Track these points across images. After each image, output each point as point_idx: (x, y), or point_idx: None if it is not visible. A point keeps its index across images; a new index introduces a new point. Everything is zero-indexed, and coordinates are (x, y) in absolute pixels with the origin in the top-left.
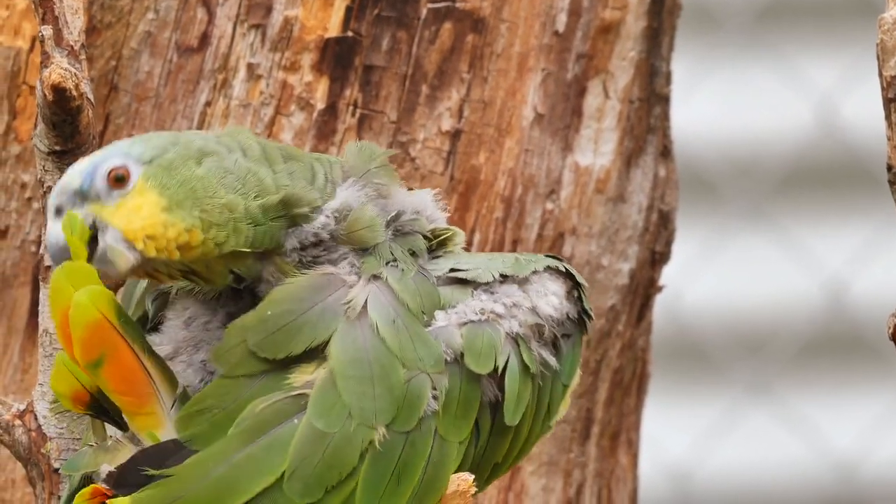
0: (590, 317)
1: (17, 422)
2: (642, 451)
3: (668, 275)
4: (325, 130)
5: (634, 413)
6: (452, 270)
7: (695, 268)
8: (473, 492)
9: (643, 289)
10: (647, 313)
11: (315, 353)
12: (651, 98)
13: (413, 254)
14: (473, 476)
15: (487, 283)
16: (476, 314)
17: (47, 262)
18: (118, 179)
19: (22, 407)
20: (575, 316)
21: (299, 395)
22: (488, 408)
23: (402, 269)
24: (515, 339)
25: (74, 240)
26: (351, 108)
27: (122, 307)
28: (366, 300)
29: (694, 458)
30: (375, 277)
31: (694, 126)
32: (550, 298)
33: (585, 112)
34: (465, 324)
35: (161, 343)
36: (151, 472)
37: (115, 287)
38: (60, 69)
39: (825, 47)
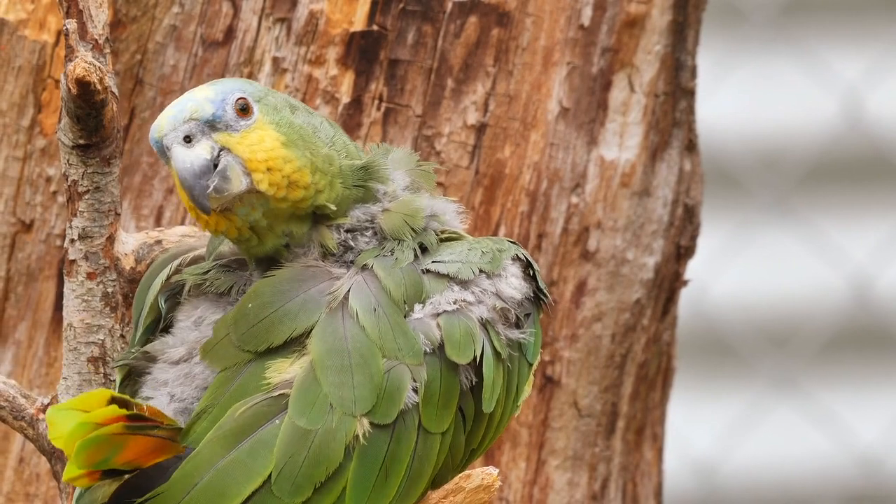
0: (545, 294)
1: (42, 416)
2: (667, 446)
3: (694, 269)
4: (350, 124)
5: (659, 407)
6: (434, 262)
7: (720, 262)
8: (498, 485)
9: (668, 283)
10: (673, 307)
11: (296, 344)
12: (676, 92)
13: (424, 249)
14: (498, 470)
15: (467, 281)
16: (450, 305)
17: (72, 256)
18: (243, 110)
19: (46, 401)
20: (532, 295)
21: (279, 395)
22: (469, 395)
23: (396, 258)
24: (485, 326)
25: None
26: (376, 101)
27: (125, 401)
28: (349, 290)
29: (719, 452)
30: (363, 268)
31: (719, 120)
32: (511, 280)
33: (611, 106)
34: (440, 314)
35: (174, 345)
36: (139, 500)
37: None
38: (85, 63)
39: (851, 41)
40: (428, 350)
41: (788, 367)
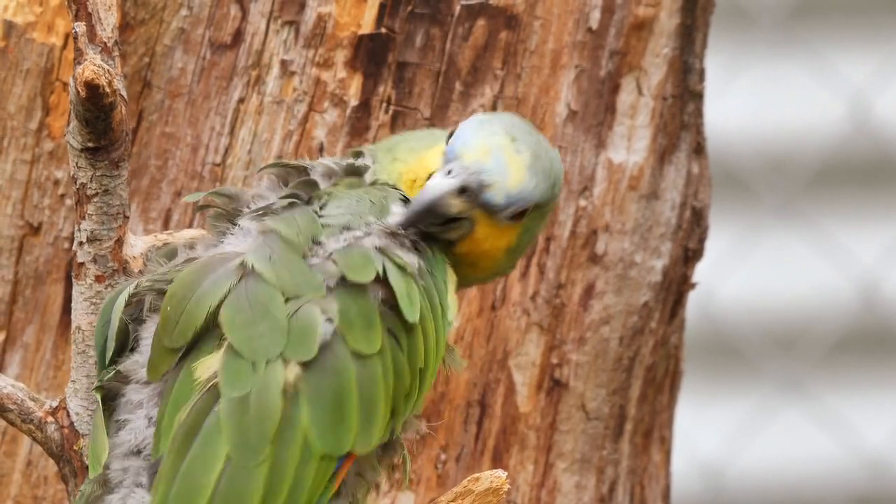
0: None
1: (50, 419)
2: (675, 448)
3: (701, 272)
4: (358, 127)
5: (667, 410)
6: (322, 218)
7: (727, 265)
8: (507, 488)
9: (676, 286)
10: (680, 310)
11: (217, 325)
12: (684, 95)
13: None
14: (507, 473)
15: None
16: (340, 244)
17: (80, 259)
18: None
19: (54, 404)
20: None
21: (210, 387)
22: (392, 314)
23: (288, 204)
24: (381, 251)
25: None
26: (384, 104)
27: None
28: (245, 252)
29: (726, 455)
30: (259, 223)
31: (727, 123)
32: (395, 212)
33: (619, 109)
34: (331, 254)
35: (143, 364)
36: None
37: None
38: (94, 66)
39: (858, 44)
40: (332, 284)
41: (795, 370)
